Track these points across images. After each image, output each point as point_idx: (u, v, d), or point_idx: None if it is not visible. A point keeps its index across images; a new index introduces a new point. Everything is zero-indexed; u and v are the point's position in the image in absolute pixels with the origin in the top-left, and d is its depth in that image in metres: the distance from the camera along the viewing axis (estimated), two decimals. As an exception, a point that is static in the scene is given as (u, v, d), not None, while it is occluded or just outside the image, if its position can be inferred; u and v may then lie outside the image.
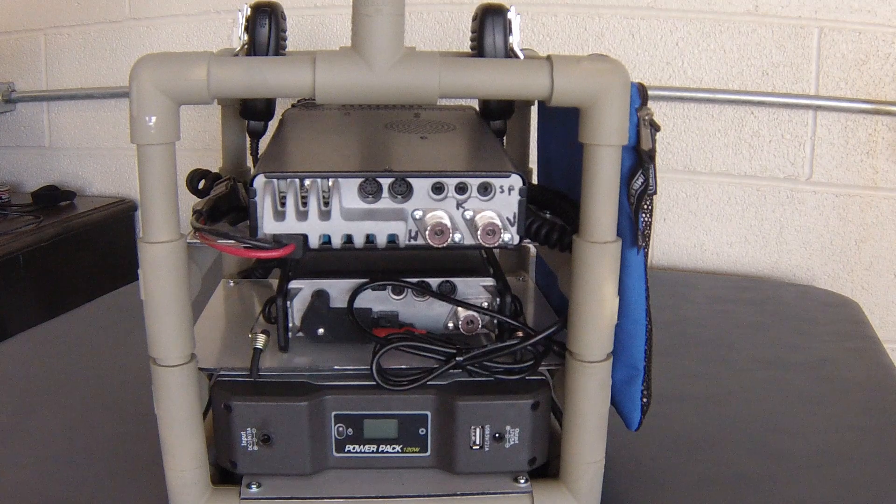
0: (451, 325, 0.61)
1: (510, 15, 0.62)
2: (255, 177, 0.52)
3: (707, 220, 1.32)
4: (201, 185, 0.70)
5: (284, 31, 0.64)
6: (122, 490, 0.63)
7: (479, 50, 0.63)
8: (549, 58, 0.50)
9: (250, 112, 0.70)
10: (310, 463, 0.57)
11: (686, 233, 1.33)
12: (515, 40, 0.61)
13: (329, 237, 0.54)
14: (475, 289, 0.61)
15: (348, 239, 0.54)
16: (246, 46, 0.61)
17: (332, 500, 0.57)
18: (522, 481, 0.58)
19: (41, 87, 1.54)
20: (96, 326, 0.99)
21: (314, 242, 0.53)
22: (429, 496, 0.57)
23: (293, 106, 0.77)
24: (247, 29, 0.61)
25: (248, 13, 0.61)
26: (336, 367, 0.58)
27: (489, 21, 0.63)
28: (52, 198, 1.45)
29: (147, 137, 0.49)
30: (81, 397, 0.78)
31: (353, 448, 0.57)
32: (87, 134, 1.55)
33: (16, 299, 1.24)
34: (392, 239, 0.54)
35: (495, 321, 0.61)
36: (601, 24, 1.26)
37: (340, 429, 0.57)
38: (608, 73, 0.50)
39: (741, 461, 0.68)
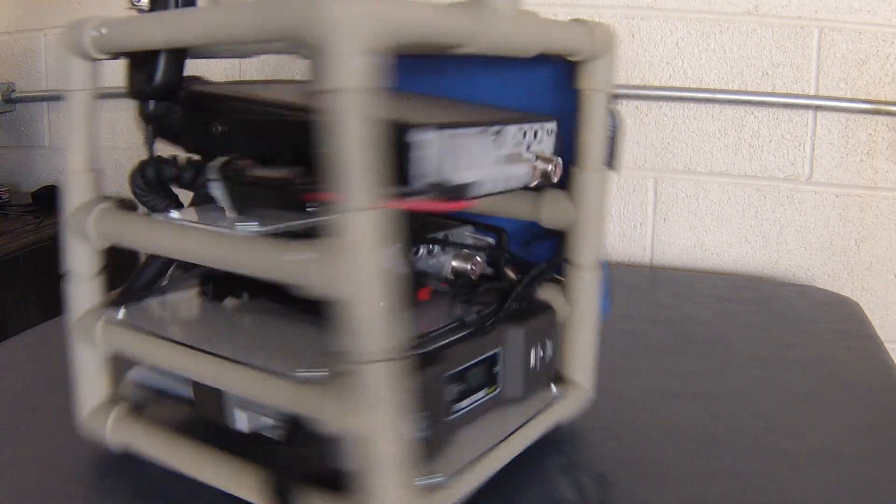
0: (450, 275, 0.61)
1: None
2: (415, 130, 0.47)
3: (707, 220, 1.32)
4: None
5: None
6: (122, 490, 0.62)
7: None
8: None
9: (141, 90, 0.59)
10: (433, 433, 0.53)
11: (686, 233, 1.33)
12: None
13: (480, 184, 0.53)
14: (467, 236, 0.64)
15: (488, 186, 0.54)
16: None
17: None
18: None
19: (41, 87, 1.54)
20: (96, 326, 0.99)
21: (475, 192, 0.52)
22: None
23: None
24: None
25: None
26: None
27: None
28: (52, 198, 1.45)
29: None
30: (81, 396, 0.78)
31: (460, 406, 0.55)
32: (87, 134, 1.55)
33: (16, 299, 1.24)
34: (523, 182, 0.56)
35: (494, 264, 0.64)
36: (601, 24, 1.26)
37: (451, 389, 0.54)
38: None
39: (740, 458, 0.68)
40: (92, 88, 0.61)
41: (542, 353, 0.61)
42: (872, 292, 1.28)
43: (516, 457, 0.60)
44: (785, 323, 1.02)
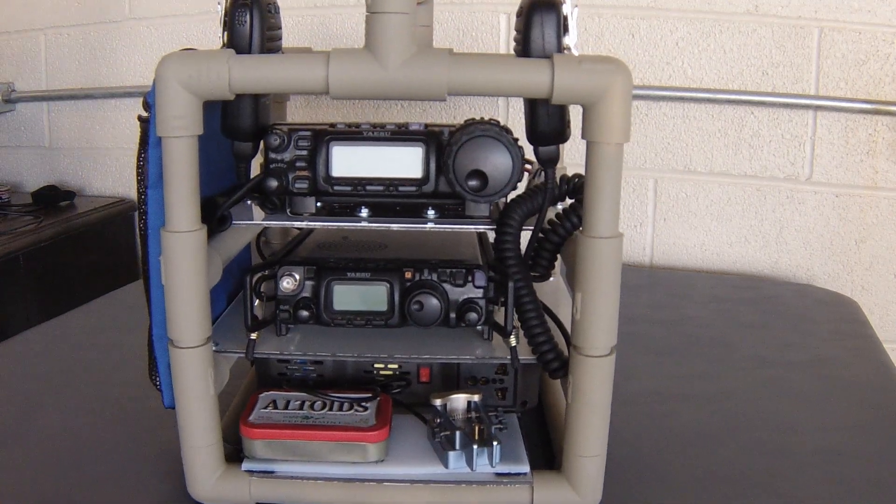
0: None
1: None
2: None
3: (707, 220, 1.32)
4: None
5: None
6: (122, 489, 0.63)
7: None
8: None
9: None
10: None
11: (686, 233, 1.33)
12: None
13: None
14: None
15: None
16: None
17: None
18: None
19: (41, 87, 1.54)
20: (96, 326, 0.99)
21: None
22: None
23: None
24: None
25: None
26: None
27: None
28: (52, 198, 1.45)
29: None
30: (82, 397, 0.78)
31: None
32: (87, 134, 1.55)
33: (16, 299, 1.24)
34: None
35: None
36: (601, 24, 1.26)
37: None
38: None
39: (741, 458, 0.68)
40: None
41: None
42: (872, 292, 1.28)
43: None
44: (785, 323, 1.02)
